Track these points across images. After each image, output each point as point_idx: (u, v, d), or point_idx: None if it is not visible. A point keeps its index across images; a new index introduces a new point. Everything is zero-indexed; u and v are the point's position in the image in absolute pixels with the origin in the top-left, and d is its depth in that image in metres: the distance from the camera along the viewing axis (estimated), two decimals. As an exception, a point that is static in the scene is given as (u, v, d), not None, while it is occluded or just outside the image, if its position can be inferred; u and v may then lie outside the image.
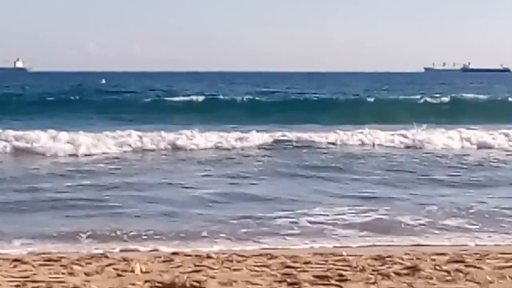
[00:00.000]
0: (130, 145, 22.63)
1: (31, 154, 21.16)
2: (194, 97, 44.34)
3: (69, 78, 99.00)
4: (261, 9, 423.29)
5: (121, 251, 10.02)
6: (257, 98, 45.77)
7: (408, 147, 24.10)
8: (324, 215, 12.66)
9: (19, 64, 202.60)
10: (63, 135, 22.66)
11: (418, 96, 45.72)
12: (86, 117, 33.41)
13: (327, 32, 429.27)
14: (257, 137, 24.10)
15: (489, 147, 24.10)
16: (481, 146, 24.19)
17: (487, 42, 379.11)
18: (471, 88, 63.18)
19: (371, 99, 44.72)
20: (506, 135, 25.65)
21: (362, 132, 25.47)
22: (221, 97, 45.99)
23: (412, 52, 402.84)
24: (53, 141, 22.16)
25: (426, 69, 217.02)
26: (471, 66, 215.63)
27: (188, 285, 7.48)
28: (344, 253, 9.19)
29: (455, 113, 36.35)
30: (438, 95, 45.59)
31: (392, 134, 25.26)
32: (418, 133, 25.05)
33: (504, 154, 22.55)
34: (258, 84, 74.11)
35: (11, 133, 22.69)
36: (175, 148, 22.90)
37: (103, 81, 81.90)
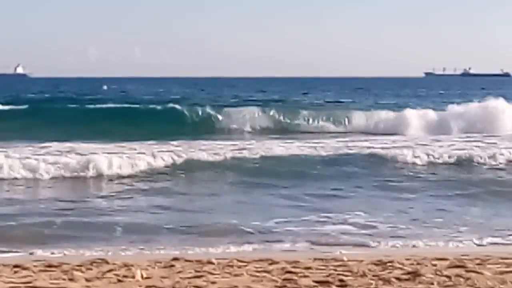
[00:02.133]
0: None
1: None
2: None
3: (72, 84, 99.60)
4: (263, 14, 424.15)
5: (122, 256, 10.01)
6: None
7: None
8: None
9: (20, 70, 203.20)
10: None
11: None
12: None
13: (326, 37, 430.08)
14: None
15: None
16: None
17: (488, 47, 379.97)
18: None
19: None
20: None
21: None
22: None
23: (413, 57, 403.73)
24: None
25: (426, 74, 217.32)
26: (471, 71, 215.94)
27: (188, 290, 7.50)
28: (345, 259, 9.19)
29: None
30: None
31: None
32: None
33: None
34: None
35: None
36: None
37: (105, 87, 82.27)
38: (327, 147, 22.90)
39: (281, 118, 34.78)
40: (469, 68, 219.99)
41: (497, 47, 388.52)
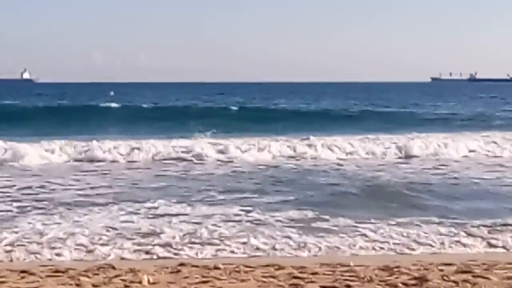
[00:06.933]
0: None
1: None
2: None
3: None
4: (269, 18, 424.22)
5: (129, 262, 10.00)
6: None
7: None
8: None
9: (26, 75, 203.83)
10: None
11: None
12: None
13: (333, 42, 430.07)
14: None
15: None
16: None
17: (494, 52, 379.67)
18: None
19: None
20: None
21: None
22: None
23: (419, 62, 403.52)
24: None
25: (433, 79, 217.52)
26: (478, 76, 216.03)
27: (195, 296, 7.50)
28: (352, 264, 9.17)
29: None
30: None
31: None
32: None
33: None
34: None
35: None
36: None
37: (112, 93, 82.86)
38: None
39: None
40: (476, 73, 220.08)
41: (503, 53, 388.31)
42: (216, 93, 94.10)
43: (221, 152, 23.91)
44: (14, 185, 17.16)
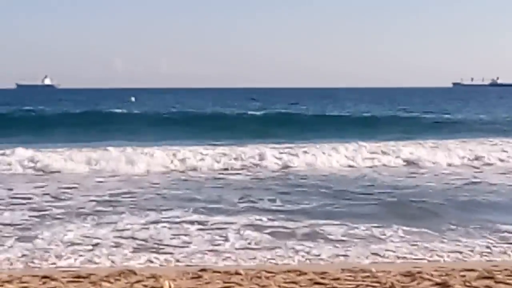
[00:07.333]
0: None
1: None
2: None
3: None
4: (290, 23, 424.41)
5: (150, 267, 10.01)
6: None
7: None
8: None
9: (47, 81, 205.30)
10: None
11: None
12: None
13: (352, 48, 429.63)
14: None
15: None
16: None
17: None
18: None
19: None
20: None
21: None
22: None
23: (441, 67, 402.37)
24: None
25: (454, 84, 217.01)
26: (499, 81, 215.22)
27: (216, 301, 7.50)
28: (373, 270, 9.14)
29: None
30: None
31: None
32: None
33: None
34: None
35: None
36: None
37: (133, 99, 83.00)
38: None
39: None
40: (497, 78, 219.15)
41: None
42: (238, 99, 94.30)
43: (242, 158, 23.83)
44: (36, 192, 17.23)
